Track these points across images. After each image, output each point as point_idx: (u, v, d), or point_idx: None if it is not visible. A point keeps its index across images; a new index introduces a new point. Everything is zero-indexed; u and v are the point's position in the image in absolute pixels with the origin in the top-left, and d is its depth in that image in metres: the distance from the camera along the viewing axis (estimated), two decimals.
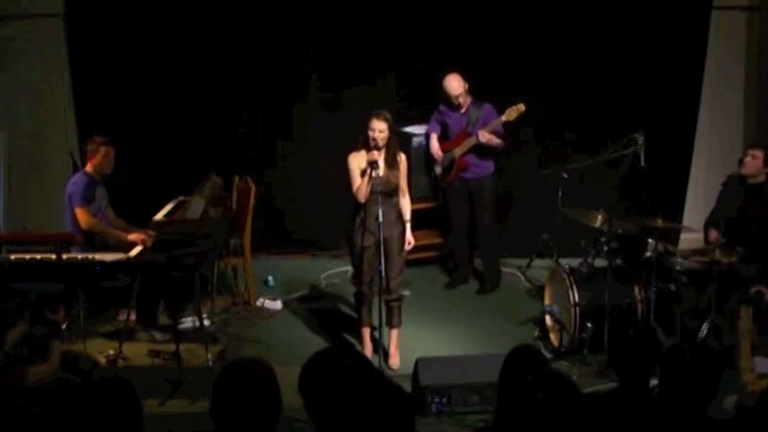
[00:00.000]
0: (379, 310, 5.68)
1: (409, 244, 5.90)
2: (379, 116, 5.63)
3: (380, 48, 7.69)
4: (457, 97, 6.92)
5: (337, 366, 2.85)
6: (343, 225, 6.56)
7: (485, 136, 6.81)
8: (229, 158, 7.42)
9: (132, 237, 6.05)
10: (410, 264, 7.60)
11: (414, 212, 6.03)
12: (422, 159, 7.48)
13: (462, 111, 6.98)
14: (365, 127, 5.66)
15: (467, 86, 6.92)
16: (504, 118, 6.78)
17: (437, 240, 7.80)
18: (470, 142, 6.92)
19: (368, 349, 5.94)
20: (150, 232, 5.94)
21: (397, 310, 5.91)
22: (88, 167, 6.36)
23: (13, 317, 4.40)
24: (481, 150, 6.96)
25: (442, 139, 7.18)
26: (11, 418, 3.61)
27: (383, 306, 5.73)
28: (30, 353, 4.41)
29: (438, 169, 7.21)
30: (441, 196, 7.52)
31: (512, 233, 7.41)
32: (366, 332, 5.97)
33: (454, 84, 6.90)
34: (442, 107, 7.11)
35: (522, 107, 6.69)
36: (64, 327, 4.99)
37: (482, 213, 7.14)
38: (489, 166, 7.07)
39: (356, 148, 5.71)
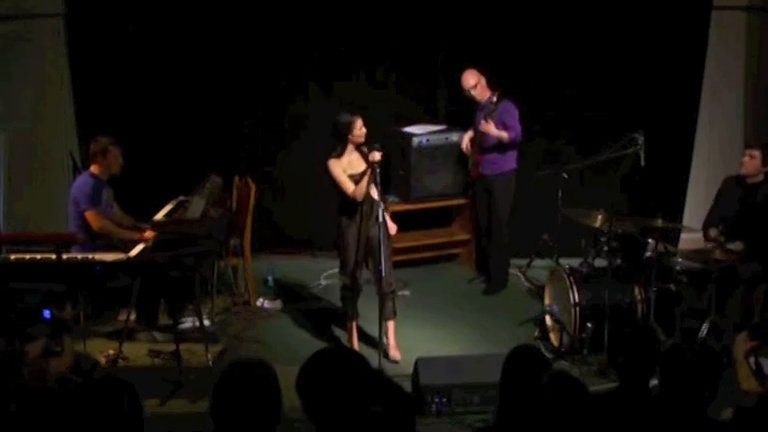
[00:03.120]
0: (379, 309, 5.68)
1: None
2: (359, 114, 5.73)
3: (381, 48, 7.69)
4: (468, 91, 6.94)
5: (335, 367, 2.85)
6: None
7: (483, 125, 6.83)
8: (229, 158, 7.42)
9: (145, 236, 5.91)
10: (410, 263, 7.67)
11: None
12: (425, 159, 7.49)
13: (481, 106, 6.98)
14: (346, 131, 5.70)
15: (481, 82, 6.92)
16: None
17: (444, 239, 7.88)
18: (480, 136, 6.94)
19: (354, 342, 5.99)
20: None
21: (391, 302, 5.92)
22: (93, 168, 6.20)
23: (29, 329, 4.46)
24: (491, 146, 6.95)
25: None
26: (11, 418, 3.61)
27: (379, 301, 5.73)
28: (46, 351, 4.44)
29: (470, 165, 7.24)
30: (470, 193, 7.52)
31: (512, 233, 7.40)
32: (353, 326, 6.02)
33: (464, 79, 6.94)
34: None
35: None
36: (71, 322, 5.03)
37: (492, 211, 7.12)
38: (502, 163, 6.99)
39: (336, 155, 5.75)
